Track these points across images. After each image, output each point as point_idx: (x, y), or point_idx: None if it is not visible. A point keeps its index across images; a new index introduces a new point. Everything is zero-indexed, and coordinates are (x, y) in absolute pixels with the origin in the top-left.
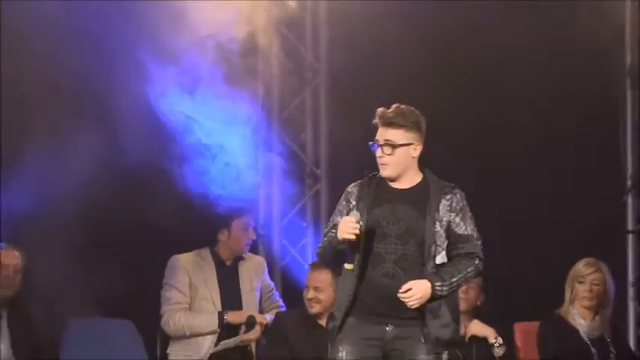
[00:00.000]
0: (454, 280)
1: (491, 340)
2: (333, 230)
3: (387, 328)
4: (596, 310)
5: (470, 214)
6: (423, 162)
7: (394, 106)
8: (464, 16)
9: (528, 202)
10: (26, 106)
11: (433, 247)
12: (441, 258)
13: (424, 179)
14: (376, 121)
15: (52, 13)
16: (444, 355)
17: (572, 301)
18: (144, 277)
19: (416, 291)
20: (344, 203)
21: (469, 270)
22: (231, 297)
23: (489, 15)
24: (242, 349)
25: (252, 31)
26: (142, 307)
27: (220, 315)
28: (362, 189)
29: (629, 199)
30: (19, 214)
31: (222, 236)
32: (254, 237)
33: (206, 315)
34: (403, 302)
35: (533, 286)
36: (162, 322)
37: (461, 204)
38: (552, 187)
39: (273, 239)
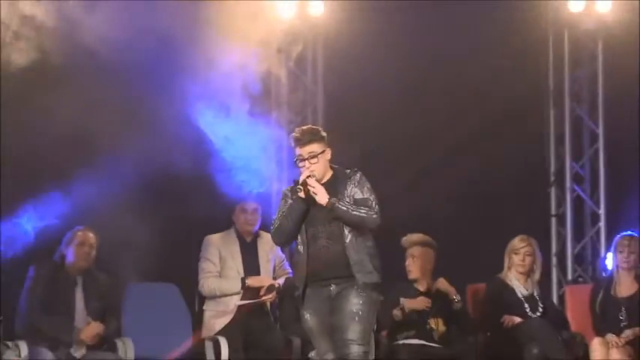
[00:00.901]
0: (349, 206)
1: (452, 296)
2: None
3: (331, 288)
4: (528, 274)
5: (368, 185)
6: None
7: (300, 130)
8: (436, 50)
9: (482, 194)
10: (96, 118)
11: None
12: None
13: (334, 172)
14: (294, 144)
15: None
16: (374, 295)
17: (509, 268)
18: (186, 252)
19: (317, 184)
20: (282, 202)
21: (363, 211)
22: (251, 266)
23: (459, 45)
24: (260, 306)
25: (267, 67)
26: (184, 275)
27: (243, 280)
28: (293, 191)
29: (552, 191)
30: (91, 203)
31: (234, 218)
32: (253, 217)
33: (232, 280)
34: (339, 265)
35: (482, 256)
36: (199, 286)
37: (360, 180)
38: (499, 182)
39: None
